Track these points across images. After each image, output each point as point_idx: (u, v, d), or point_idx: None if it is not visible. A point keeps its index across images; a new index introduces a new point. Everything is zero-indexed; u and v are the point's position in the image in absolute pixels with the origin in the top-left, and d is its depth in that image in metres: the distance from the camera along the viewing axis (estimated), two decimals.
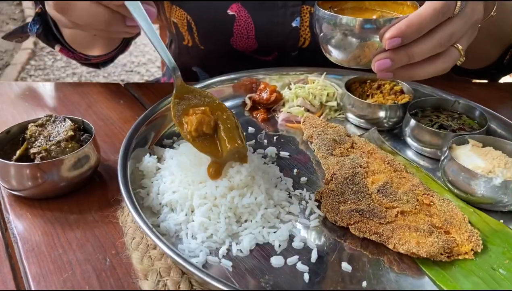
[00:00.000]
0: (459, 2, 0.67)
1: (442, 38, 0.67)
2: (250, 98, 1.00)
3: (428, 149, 0.85)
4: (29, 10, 4.71)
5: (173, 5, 1.15)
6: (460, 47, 0.70)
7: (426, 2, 0.67)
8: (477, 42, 1.01)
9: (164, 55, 0.71)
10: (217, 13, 1.10)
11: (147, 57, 4.13)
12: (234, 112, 0.97)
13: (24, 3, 4.96)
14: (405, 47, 0.67)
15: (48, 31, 1.04)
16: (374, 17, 0.72)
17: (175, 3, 1.15)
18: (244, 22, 1.09)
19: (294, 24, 1.10)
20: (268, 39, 1.12)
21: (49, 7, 0.79)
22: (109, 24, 0.73)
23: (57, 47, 1.06)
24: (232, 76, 1.03)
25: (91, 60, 1.11)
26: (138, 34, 1.19)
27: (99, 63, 1.15)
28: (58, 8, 0.74)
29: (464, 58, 0.71)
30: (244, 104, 1.01)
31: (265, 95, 0.99)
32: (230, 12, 1.09)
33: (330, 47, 0.74)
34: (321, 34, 0.74)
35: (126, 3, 0.69)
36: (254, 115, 0.99)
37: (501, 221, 0.71)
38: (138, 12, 0.69)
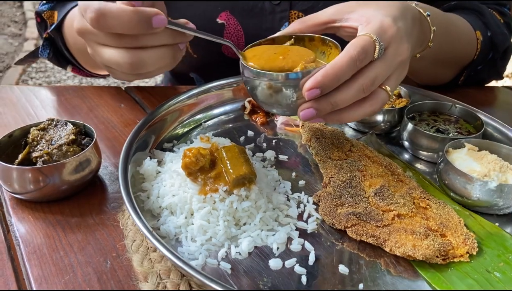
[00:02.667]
0: (377, 46, 0.65)
1: (364, 84, 0.65)
2: (249, 102, 1.01)
3: (425, 153, 0.86)
4: (30, 12, 4.72)
5: None
6: (388, 89, 0.68)
7: (344, 49, 0.65)
8: (424, 70, 0.98)
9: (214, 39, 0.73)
10: (207, 22, 1.11)
11: None
12: (233, 116, 1.01)
13: (25, 5, 4.97)
14: (327, 96, 0.65)
15: (58, 53, 1.09)
16: (298, 69, 0.69)
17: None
18: (234, 30, 1.10)
19: (282, 29, 1.11)
20: None
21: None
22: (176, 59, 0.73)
23: (69, 68, 1.12)
24: (231, 80, 1.03)
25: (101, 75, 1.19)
26: None
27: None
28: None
29: (393, 97, 0.70)
30: (243, 108, 1.02)
31: None
32: (219, 21, 1.10)
33: (265, 103, 0.73)
34: (251, 91, 0.73)
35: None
36: (253, 119, 0.99)
37: (497, 224, 0.72)
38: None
